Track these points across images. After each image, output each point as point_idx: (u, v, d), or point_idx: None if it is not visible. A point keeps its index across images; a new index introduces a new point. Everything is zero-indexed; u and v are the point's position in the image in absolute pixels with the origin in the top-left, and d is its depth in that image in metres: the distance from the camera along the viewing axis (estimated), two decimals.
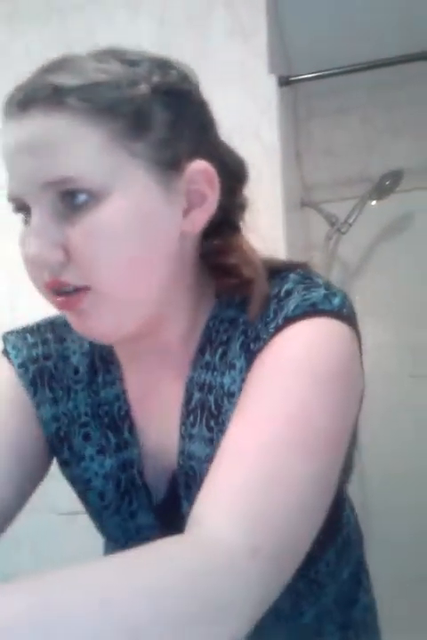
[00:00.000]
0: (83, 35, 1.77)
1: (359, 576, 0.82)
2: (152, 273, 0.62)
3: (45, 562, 1.63)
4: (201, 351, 0.68)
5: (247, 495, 0.50)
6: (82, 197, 0.56)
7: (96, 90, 0.57)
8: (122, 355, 0.73)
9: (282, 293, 0.64)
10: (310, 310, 0.61)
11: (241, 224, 0.74)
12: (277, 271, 0.69)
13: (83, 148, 0.56)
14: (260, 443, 0.53)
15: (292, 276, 0.67)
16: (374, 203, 2.27)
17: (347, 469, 0.72)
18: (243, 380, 0.63)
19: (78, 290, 0.59)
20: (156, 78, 0.61)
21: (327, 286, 0.65)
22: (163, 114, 0.60)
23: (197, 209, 0.63)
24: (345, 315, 0.62)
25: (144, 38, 1.78)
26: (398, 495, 2.26)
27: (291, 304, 0.62)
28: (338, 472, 0.57)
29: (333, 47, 2.23)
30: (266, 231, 1.64)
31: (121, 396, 0.72)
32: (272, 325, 0.62)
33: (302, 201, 2.27)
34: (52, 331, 0.77)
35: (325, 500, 0.55)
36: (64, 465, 0.75)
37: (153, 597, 0.41)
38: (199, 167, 0.62)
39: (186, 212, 0.62)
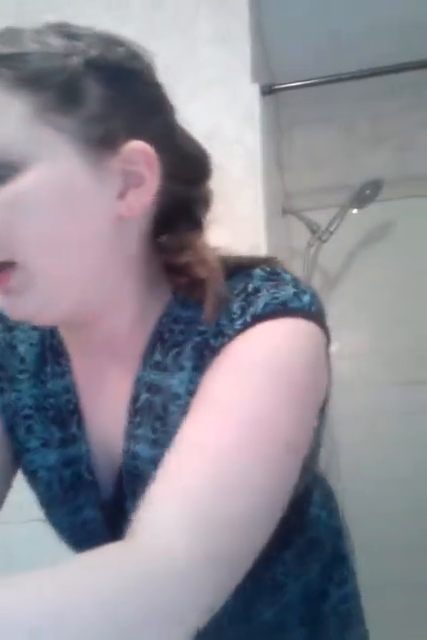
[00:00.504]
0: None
1: (330, 572, 0.81)
2: (82, 252, 0.60)
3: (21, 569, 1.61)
4: (151, 350, 0.66)
5: (198, 499, 0.48)
6: (2, 169, 0.54)
7: (25, 59, 0.55)
8: (71, 346, 0.71)
9: (249, 290, 0.62)
10: (280, 309, 0.59)
11: (205, 221, 0.72)
12: (241, 267, 0.67)
13: (4, 118, 0.54)
14: (217, 444, 0.51)
15: (257, 271, 0.64)
16: (354, 211, 2.29)
17: (308, 471, 0.70)
18: (190, 382, 0.62)
19: (4, 267, 0.57)
20: (94, 52, 0.58)
21: (295, 283, 0.63)
22: (97, 89, 0.57)
23: (133, 191, 0.60)
24: (314, 313, 0.61)
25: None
26: (378, 501, 2.27)
27: (260, 302, 0.60)
28: (295, 478, 0.56)
29: (315, 57, 2.26)
30: (247, 238, 1.66)
31: (70, 389, 0.70)
32: (239, 322, 0.60)
33: (283, 208, 2.29)
34: (0, 320, 0.74)
35: (279, 505, 0.53)
36: (14, 456, 0.73)
37: (97, 605, 0.40)
38: (136, 147, 0.59)
39: (122, 194, 0.60)
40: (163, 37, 1.78)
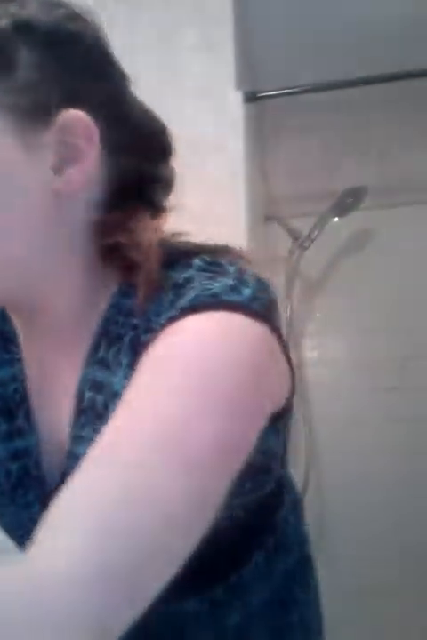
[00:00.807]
0: None
1: (297, 574, 0.77)
2: (17, 230, 0.56)
3: None
4: (96, 345, 0.60)
5: (103, 511, 0.43)
6: None
7: None
8: (23, 334, 0.66)
9: (181, 280, 0.56)
10: (211, 301, 0.52)
11: (163, 203, 0.66)
12: (186, 255, 0.60)
13: None
14: (126, 451, 0.46)
15: (197, 261, 0.59)
16: (336, 219, 2.31)
17: (269, 473, 0.67)
18: (126, 380, 0.54)
19: None
20: (25, 14, 0.54)
21: (238, 275, 0.56)
22: (29, 55, 0.53)
23: (71, 165, 0.56)
24: (256, 308, 0.53)
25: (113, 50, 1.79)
26: (358, 507, 2.29)
27: (190, 294, 0.54)
28: (225, 485, 0.49)
29: (300, 65, 2.28)
30: (230, 243, 1.66)
31: (18, 378, 0.65)
32: (165, 316, 0.54)
33: (266, 215, 2.30)
34: None
35: (203, 515, 0.47)
36: None
37: None
38: (72, 117, 0.54)
39: (58, 169, 0.55)
40: (147, 45, 1.79)
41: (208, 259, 0.59)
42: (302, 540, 0.80)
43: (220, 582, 0.64)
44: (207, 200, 1.67)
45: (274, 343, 0.56)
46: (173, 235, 0.64)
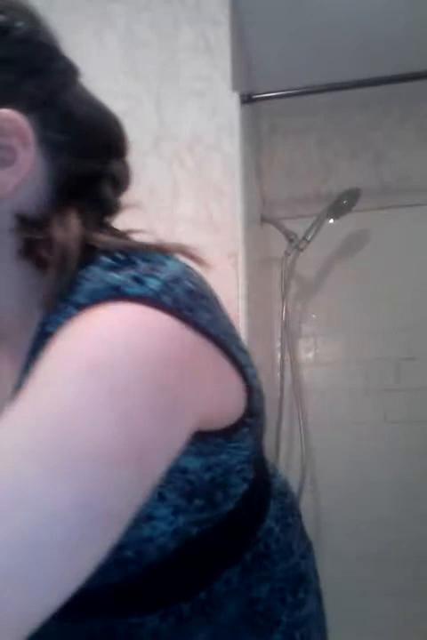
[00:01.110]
0: None
1: (283, 594, 0.72)
2: None
3: None
4: (33, 351, 0.54)
5: None
6: None
7: None
8: None
9: (87, 276, 0.52)
10: (111, 294, 0.48)
11: (115, 201, 0.63)
12: (108, 253, 0.55)
13: None
14: (5, 445, 0.40)
15: (104, 258, 0.54)
16: (331, 221, 2.32)
17: (231, 490, 0.64)
18: None
19: None
20: None
21: (150, 268, 0.52)
22: None
23: (3, 167, 0.52)
24: (167, 302, 0.49)
25: (110, 52, 1.80)
26: (352, 509, 2.30)
27: (88, 287, 0.50)
28: (123, 497, 0.42)
29: (296, 67, 2.29)
30: (226, 245, 1.68)
31: None
32: (64, 314, 0.50)
33: (262, 216, 2.31)
34: None
35: (90, 525, 0.39)
36: None
37: None
38: (2, 117, 0.51)
39: None
40: (145, 44, 1.80)
41: (122, 256, 0.54)
42: (289, 552, 0.74)
43: (185, 598, 0.62)
44: (203, 201, 1.67)
45: (196, 343, 0.50)
46: (123, 234, 0.60)
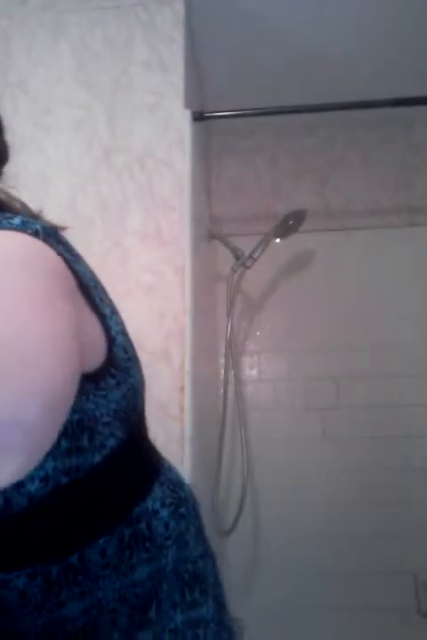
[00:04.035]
0: (2, 58, 1.79)
1: (171, 587, 0.73)
2: None
3: None
4: None
5: None
6: None
7: None
8: None
9: None
10: None
11: None
12: None
13: None
14: None
15: None
16: (277, 240, 2.36)
17: (96, 439, 0.66)
18: None
19: None
20: None
21: (11, 216, 0.63)
22: None
23: None
24: (26, 229, 0.60)
25: (64, 63, 1.79)
26: (291, 524, 2.32)
27: None
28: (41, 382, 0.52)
29: (248, 88, 2.34)
30: (173, 259, 1.69)
31: None
32: None
33: (209, 233, 2.33)
34: None
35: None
36: None
37: None
38: None
39: None
40: (98, 56, 1.80)
41: None
42: (182, 544, 0.75)
43: (54, 559, 0.61)
44: (152, 215, 1.68)
45: (60, 262, 0.61)
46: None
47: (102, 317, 0.66)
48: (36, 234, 0.60)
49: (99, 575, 0.66)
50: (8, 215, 0.62)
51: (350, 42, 2.18)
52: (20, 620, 0.64)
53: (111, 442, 0.67)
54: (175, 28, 1.81)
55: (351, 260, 2.53)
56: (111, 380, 0.65)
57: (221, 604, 0.79)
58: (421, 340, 2.43)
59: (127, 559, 0.69)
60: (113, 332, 0.67)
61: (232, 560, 2.27)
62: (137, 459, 0.74)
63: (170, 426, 1.50)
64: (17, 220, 0.61)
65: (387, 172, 2.64)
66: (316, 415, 2.43)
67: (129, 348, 0.72)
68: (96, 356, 0.64)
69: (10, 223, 0.60)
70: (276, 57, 2.24)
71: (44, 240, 0.61)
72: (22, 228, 0.60)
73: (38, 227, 0.61)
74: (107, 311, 0.68)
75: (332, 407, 2.42)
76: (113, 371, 0.66)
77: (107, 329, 0.66)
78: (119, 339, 0.69)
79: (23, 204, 0.74)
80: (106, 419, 0.65)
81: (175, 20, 1.81)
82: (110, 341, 0.66)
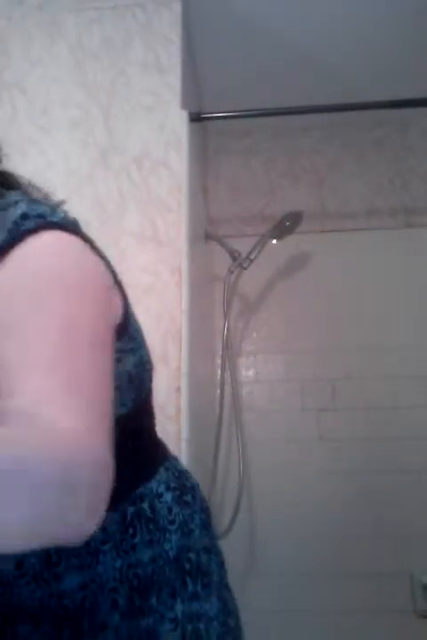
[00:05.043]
0: None
1: (180, 574, 0.73)
2: None
3: None
4: None
5: (53, 389, 0.51)
6: None
7: None
8: None
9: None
10: (41, 223, 0.63)
11: None
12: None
13: None
14: (46, 347, 0.54)
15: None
16: (274, 241, 2.36)
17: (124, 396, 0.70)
18: None
19: None
20: None
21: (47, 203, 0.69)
22: None
23: None
24: (66, 226, 0.65)
25: (61, 63, 1.79)
26: (287, 525, 2.32)
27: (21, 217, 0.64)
28: (111, 362, 0.60)
29: (245, 89, 2.34)
30: (170, 259, 1.69)
31: None
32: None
33: (206, 234, 2.33)
34: None
35: (110, 384, 0.58)
36: None
37: (14, 461, 0.42)
38: None
39: None
40: (96, 57, 1.79)
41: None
42: (187, 531, 0.75)
43: None
44: (149, 215, 1.68)
45: (91, 251, 0.67)
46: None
47: (121, 286, 0.71)
48: (75, 231, 0.65)
49: (99, 549, 0.67)
50: (33, 200, 0.67)
51: (346, 44, 2.18)
52: (17, 593, 0.64)
53: (122, 410, 0.69)
54: (172, 29, 1.81)
55: (348, 261, 2.53)
56: (127, 343, 0.68)
57: (227, 607, 0.78)
58: (417, 341, 2.43)
59: (130, 537, 0.69)
60: (129, 305, 0.72)
61: (228, 561, 2.26)
62: (145, 437, 0.76)
63: (166, 426, 1.50)
64: (47, 210, 0.65)
65: (383, 173, 2.64)
66: (312, 416, 2.43)
67: (139, 326, 0.76)
68: (117, 308, 0.68)
69: (44, 214, 0.64)
70: (273, 58, 2.24)
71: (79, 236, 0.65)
72: (63, 223, 0.64)
73: (71, 221, 0.67)
74: (123, 286, 0.73)
75: (328, 408, 2.42)
76: (130, 330, 0.70)
77: (123, 291, 0.71)
78: (131, 310, 0.73)
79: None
80: (118, 382, 0.67)
81: (172, 21, 1.81)
82: (126, 303, 0.71)
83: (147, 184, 1.70)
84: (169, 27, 1.81)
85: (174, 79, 1.78)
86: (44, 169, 1.70)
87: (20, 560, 0.58)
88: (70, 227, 0.65)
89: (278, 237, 2.33)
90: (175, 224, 1.68)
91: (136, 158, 1.72)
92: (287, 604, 2.22)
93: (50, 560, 0.64)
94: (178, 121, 1.75)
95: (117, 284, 0.70)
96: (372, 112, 2.36)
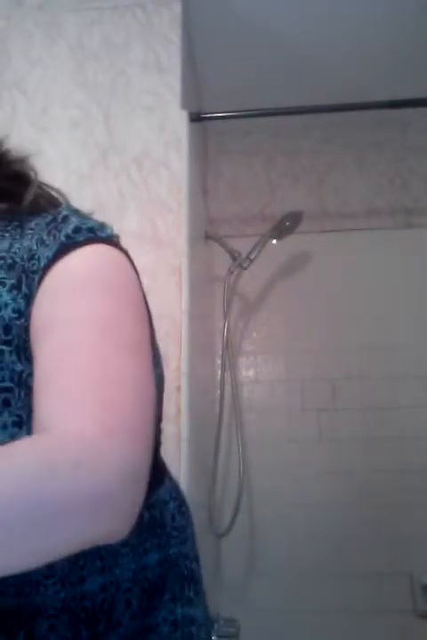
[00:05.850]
0: None
1: (180, 579, 0.75)
2: None
3: None
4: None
5: (92, 390, 0.54)
6: None
7: None
8: None
9: (59, 219, 0.71)
10: (90, 237, 0.68)
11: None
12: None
13: None
14: (87, 347, 0.58)
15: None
16: (274, 241, 2.36)
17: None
18: (13, 299, 0.66)
19: None
20: None
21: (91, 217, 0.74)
22: None
23: None
24: (115, 241, 0.71)
25: (61, 63, 1.79)
26: (288, 525, 2.32)
27: (69, 228, 0.69)
28: (151, 368, 0.63)
29: (245, 89, 2.34)
30: (170, 259, 1.69)
31: None
32: (52, 250, 0.66)
33: (206, 234, 2.33)
34: None
35: (151, 389, 0.61)
36: None
37: (20, 485, 0.44)
38: None
39: None
40: (96, 57, 1.79)
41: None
42: (183, 539, 0.78)
43: None
44: (149, 216, 1.68)
45: (132, 267, 0.73)
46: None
47: (146, 302, 0.76)
48: (120, 247, 0.71)
49: (118, 552, 0.68)
50: (74, 213, 0.72)
51: (347, 44, 2.18)
52: (43, 592, 0.64)
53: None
54: (172, 29, 1.81)
55: (348, 261, 2.53)
56: (153, 358, 0.70)
57: (207, 617, 0.81)
58: (417, 341, 2.43)
59: (143, 542, 0.71)
60: (152, 316, 0.77)
61: (228, 561, 2.27)
62: (157, 445, 0.78)
63: (166, 427, 1.49)
64: (96, 224, 0.70)
65: (383, 173, 2.64)
66: (312, 416, 2.43)
67: (158, 344, 0.80)
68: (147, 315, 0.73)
69: (94, 229, 0.69)
70: (272, 58, 2.24)
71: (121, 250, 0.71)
72: (111, 238, 0.70)
73: (117, 237, 0.73)
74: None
75: (328, 408, 2.42)
76: (155, 346, 0.75)
77: (149, 308, 0.76)
78: (153, 327, 0.77)
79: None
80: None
81: (172, 21, 1.81)
82: (151, 319, 0.76)
83: (147, 184, 1.70)
84: (169, 27, 1.81)
85: (174, 79, 1.78)
86: (44, 169, 1.70)
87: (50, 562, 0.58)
88: (118, 243, 0.71)
89: (278, 237, 2.33)
90: (175, 224, 1.68)
91: (136, 158, 1.72)
92: (287, 604, 2.22)
93: (77, 562, 0.65)
94: (178, 121, 1.75)
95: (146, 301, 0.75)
96: (372, 112, 2.36)
